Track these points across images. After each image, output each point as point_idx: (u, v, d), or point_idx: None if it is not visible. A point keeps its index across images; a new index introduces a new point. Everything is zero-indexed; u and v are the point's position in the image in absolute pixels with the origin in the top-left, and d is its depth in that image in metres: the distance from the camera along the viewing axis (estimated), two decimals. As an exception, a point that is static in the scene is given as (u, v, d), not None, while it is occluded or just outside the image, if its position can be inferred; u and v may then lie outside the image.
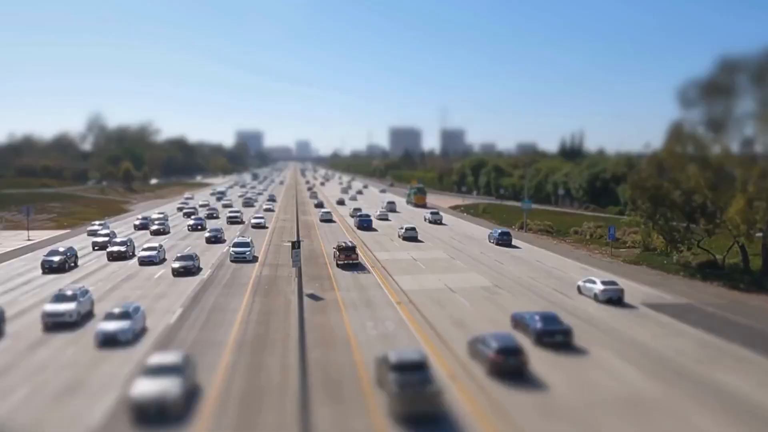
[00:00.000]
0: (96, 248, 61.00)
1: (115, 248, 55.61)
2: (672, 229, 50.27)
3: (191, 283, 44.03)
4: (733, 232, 46.66)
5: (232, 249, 54.91)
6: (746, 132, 46.13)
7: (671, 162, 48.68)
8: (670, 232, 50.50)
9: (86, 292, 35.60)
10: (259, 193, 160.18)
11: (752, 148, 46.49)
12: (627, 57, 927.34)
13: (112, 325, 29.64)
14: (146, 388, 21.30)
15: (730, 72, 45.47)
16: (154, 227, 76.64)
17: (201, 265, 50.41)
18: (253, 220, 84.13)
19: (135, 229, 79.25)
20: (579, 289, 41.65)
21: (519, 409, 22.06)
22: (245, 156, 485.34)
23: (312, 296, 39.77)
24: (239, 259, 53.08)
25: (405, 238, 70.21)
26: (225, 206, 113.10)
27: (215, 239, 66.72)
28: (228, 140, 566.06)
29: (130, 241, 58.97)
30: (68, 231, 79.33)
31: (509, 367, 25.12)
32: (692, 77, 47.41)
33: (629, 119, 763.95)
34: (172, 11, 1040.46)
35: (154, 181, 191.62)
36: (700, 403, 22.81)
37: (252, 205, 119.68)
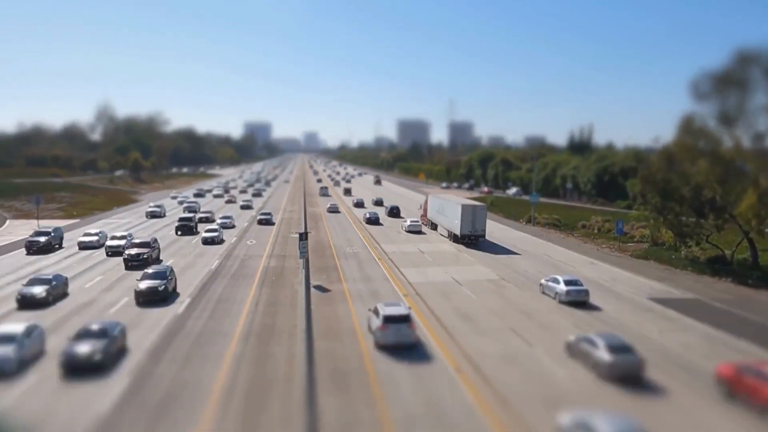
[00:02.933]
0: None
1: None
2: (681, 223, 50.00)
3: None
4: (744, 227, 46.38)
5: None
6: (758, 126, 45.74)
7: (682, 155, 48.34)
8: (679, 227, 50.23)
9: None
10: None
11: (764, 142, 46.09)
12: (637, 52, 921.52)
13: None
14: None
15: (745, 64, 45.04)
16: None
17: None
18: None
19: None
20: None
21: (524, 401, 22.07)
22: (253, 147, 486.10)
23: (319, 288, 39.88)
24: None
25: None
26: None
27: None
28: (236, 131, 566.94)
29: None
30: (77, 221, 79.74)
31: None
32: (706, 69, 46.82)
33: (638, 113, 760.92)
34: (181, 4, 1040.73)
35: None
36: (706, 398, 22.75)
37: None
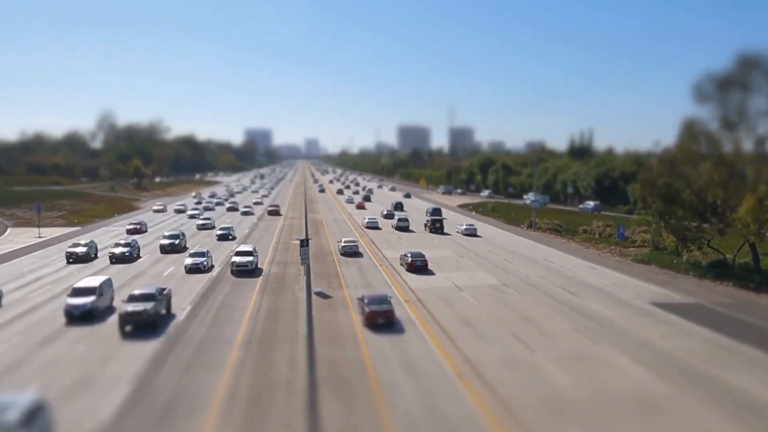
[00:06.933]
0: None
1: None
2: (683, 227, 49.94)
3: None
4: (744, 232, 46.34)
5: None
6: (759, 130, 45.78)
7: (683, 159, 48.36)
8: (681, 231, 50.17)
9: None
10: None
11: (765, 146, 46.10)
12: (635, 56, 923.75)
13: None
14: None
15: (746, 68, 45.10)
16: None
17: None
18: None
19: None
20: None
21: (526, 407, 22.02)
22: (254, 154, 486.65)
23: (320, 294, 39.85)
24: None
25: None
26: None
27: None
28: (237, 138, 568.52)
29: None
30: (78, 228, 79.81)
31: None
32: (708, 72, 46.91)
33: (638, 118, 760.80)
34: (182, 11, 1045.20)
35: (157, 179, 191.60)
36: (709, 402, 22.68)
37: None
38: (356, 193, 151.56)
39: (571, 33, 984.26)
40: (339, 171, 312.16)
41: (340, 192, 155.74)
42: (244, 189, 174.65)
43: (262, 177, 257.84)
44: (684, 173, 48.40)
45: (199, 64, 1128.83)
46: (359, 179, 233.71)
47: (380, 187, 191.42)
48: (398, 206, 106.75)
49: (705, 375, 25.60)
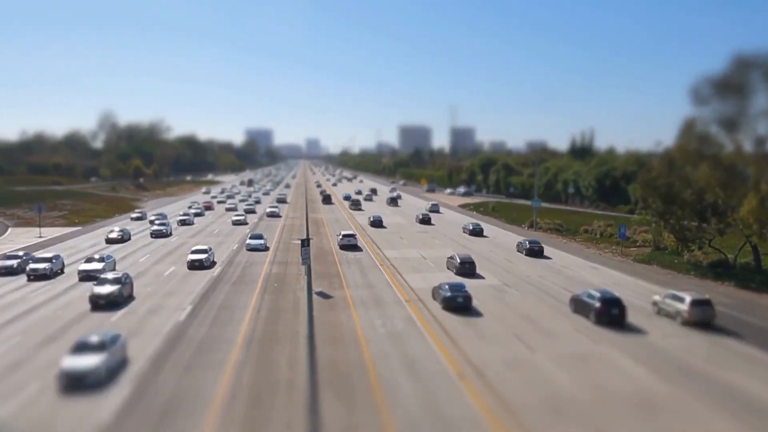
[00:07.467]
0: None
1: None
2: (683, 228, 49.91)
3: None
4: (745, 232, 46.30)
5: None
6: (759, 130, 45.72)
7: (683, 160, 48.31)
8: (681, 231, 50.14)
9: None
10: None
11: (765, 146, 46.05)
12: (637, 56, 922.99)
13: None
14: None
15: (743, 69, 45.06)
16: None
17: None
18: None
19: None
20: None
21: (527, 408, 21.99)
22: (255, 154, 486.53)
23: (321, 294, 39.84)
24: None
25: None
26: None
27: None
28: (238, 138, 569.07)
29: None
30: (79, 228, 79.82)
31: None
32: (706, 74, 46.94)
33: (639, 118, 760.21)
34: (182, 11, 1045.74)
35: (172, 178, 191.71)
36: (710, 402, 22.66)
37: None
38: (333, 175, 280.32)
39: (571, 33, 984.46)
40: (331, 168, 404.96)
41: (323, 174, 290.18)
42: (229, 197, 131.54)
43: (250, 183, 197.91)
44: (684, 173, 48.36)
45: (199, 64, 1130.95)
46: (337, 171, 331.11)
47: (356, 178, 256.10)
48: (351, 179, 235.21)
49: (706, 375, 25.58)
